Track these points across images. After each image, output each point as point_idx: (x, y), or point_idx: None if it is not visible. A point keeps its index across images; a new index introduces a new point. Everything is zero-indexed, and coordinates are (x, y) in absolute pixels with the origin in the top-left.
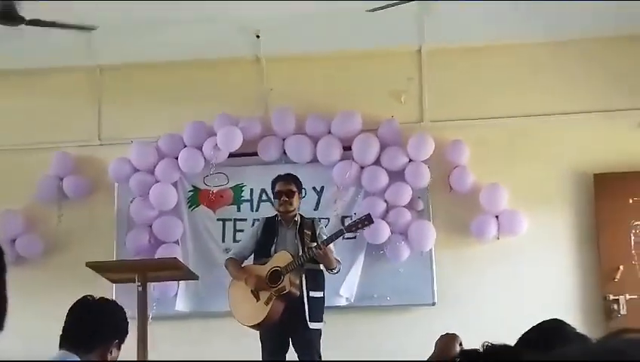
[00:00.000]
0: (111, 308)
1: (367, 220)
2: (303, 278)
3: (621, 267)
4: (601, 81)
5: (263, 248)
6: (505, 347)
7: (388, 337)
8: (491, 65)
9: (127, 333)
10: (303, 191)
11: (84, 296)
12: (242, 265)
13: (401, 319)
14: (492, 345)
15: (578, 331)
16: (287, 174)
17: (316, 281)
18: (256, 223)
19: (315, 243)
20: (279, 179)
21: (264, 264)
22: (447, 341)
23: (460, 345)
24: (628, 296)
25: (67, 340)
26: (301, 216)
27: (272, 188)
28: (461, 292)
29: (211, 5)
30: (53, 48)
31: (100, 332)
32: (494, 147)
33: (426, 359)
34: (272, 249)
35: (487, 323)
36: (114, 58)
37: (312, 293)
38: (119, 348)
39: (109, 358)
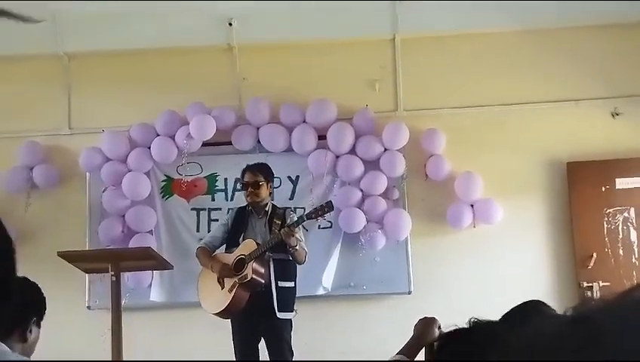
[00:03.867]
0: (24, 285)
1: (328, 207)
2: (271, 268)
3: (595, 254)
4: (574, 69)
5: (232, 238)
6: (492, 322)
7: (364, 326)
8: (465, 53)
9: (45, 309)
10: (278, 180)
11: None
12: (212, 255)
13: (377, 308)
14: (479, 320)
15: (558, 313)
16: (256, 164)
17: (286, 271)
18: (229, 212)
19: (282, 229)
20: (247, 169)
21: (232, 253)
22: (426, 324)
23: (439, 328)
24: (601, 283)
25: None
26: (273, 206)
27: (241, 177)
28: (437, 280)
29: None
30: (21, 36)
31: (17, 313)
32: (469, 136)
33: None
34: (241, 238)
35: (462, 310)
36: (83, 46)
37: (280, 283)
38: (39, 326)
39: (30, 338)
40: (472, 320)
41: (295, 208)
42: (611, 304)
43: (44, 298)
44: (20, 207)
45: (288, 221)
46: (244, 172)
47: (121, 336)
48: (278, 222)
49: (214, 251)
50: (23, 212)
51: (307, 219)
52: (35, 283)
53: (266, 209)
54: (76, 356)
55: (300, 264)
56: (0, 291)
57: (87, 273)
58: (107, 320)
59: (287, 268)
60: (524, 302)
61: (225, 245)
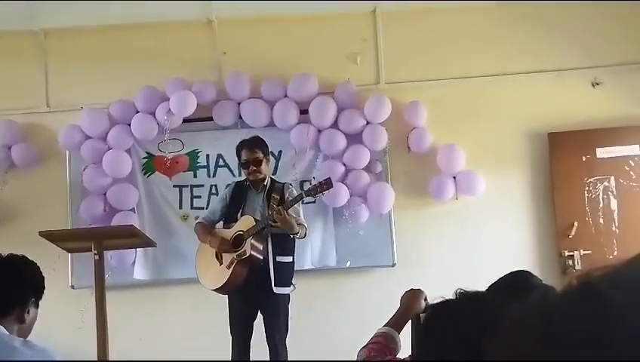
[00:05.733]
0: (23, 264)
1: (327, 184)
2: (269, 242)
3: (575, 223)
4: (553, 39)
5: (231, 213)
6: (478, 292)
7: (349, 300)
8: (447, 26)
9: (43, 289)
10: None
11: None
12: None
13: (361, 281)
14: (466, 291)
15: (544, 282)
16: (252, 139)
17: (284, 246)
18: (227, 187)
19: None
20: (244, 146)
21: (230, 228)
22: (413, 296)
23: (425, 300)
24: (582, 252)
25: None
26: (272, 180)
27: (238, 155)
28: (421, 253)
29: None
30: None
31: (15, 293)
32: (450, 108)
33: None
34: (239, 213)
35: (446, 282)
36: (60, 22)
37: (279, 258)
38: (37, 306)
39: (27, 319)
40: (459, 291)
41: (291, 183)
42: (618, 275)
43: (43, 277)
44: (2, 187)
45: (287, 195)
46: (239, 149)
47: (106, 315)
48: (276, 196)
49: (213, 226)
50: (0, 191)
51: (306, 196)
52: (34, 262)
53: (265, 183)
54: (61, 335)
55: (300, 239)
56: None
57: (70, 252)
58: (91, 298)
59: (285, 242)
60: (511, 272)
61: (223, 220)
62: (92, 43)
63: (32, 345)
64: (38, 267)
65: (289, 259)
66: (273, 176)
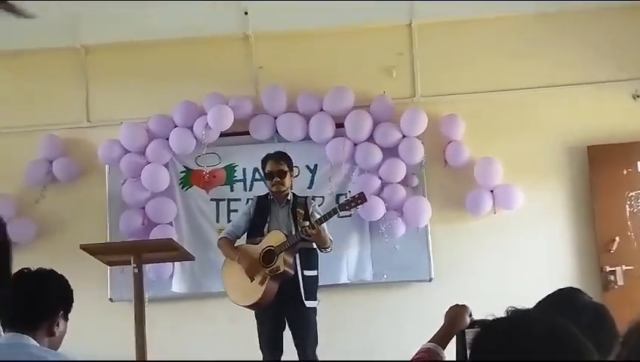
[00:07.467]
0: (51, 278)
1: (361, 198)
2: (297, 257)
3: (617, 238)
4: (593, 52)
5: (255, 227)
6: (529, 310)
7: (386, 314)
8: (482, 38)
9: (72, 302)
10: (296, 169)
11: (19, 270)
12: (235, 245)
13: (398, 296)
14: (516, 308)
15: (594, 299)
16: (277, 153)
17: (310, 260)
18: (250, 202)
19: (308, 222)
20: (269, 158)
21: (257, 243)
22: (458, 311)
23: (470, 315)
24: (624, 267)
25: (10, 319)
26: (294, 195)
27: (263, 167)
28: (458, 267)
29: None
30: (37, 29)
31: (44, 306)
32: (487, 121)
33: (432, 334)
34: (265, 228)
35: (484, 297)
36: (100, 38)
37: (306, 272)
38: (66, 319)
39: (57, 332)
40: (510, 308)
41: (314, 197)
42: None
43: (72, 290)
44: (43, 201)
45: (311, 210)
46: (265, 161)
47: (145, 328)
48: (301, 211)
49: (236, 241)
50: (42, 204)
51: (340, 210)
52: (62, 275)
53: (288, 198)
54: (99, 348)
55: (327, 252)
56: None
57: (109, 266)
58: (130, 312)
59: (311, 257)
60: (559, 289)
61: (246, 234)
62: (131, 59)
63: (63, 356)
64: (67, 280)
65: (314, 273)
66: (295, 191)
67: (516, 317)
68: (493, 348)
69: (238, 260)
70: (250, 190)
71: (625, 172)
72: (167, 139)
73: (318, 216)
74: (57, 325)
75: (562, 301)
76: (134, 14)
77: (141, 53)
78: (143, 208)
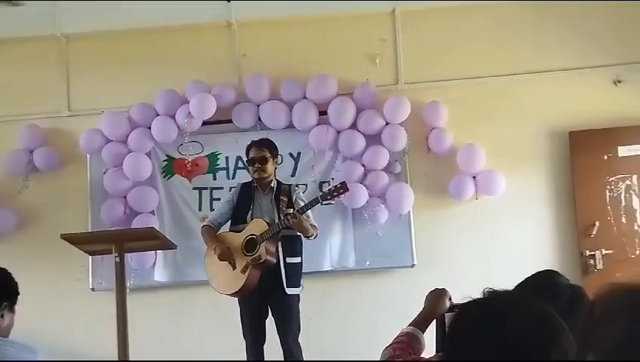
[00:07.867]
0: None
1: (343, 188)
2: (279, 244)
3: (597, 223)
4: (574, 38)
5: (239, 214)
6: (507, 291)
7: (369, 300)
8: (466, 25)
9: (17, 294)
10: (280, 157)
11: None
12: (218, 233)
13: (380, 282)
14: (494, 289)
15: (571, 282)
16: (261, 140)
17: (293, 247)
18: (233, 189)
19: (292, 210)
20: (252, 145)
21: (240, 231)
22: (437, 296)
23: (450, 299)
24: (604, 251)
25: None
26: (278, 182)
27: (247, 154)
28: (440, 253)
29: None
30: (18, 18)
31: None
32: (470, 108)
33: (412, 318)
34: (249, 215)
35: (466, 283)
36: (81, 27)
37: (288, 259)
38: (12, 311)
39: (2, 324)
40: (487, 289)
41: (297, 185)
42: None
43: (16, 283)
44: (22, 191)
45: (294, 197)
46: (249, 148)
47: (127, 317)
48: (284, 199)
49: (219, 228)
50: (23, 195)
51: (322, 200)
52: (4, 268)
53: (272, 185)
54: (81, 337)
55: (312, 240)
56: None
57: (91, 255)
58: (112, 301)
59: (294, 244)
60: (538, 272)
61: (230, 221)
62: (112, 47)
63: (12, 342)
64: (9, 273)
65: (298, 259)
66: (279, 179)
67: (490, 297)
68: (468, 328)
69: (214, 250)
70: (233, 178)
71: (605, 157)
72: (149, 127)
73: (302, 204)
74: (2, 316)
75: (540, 282)
76: (115, 2)
77: (122, 41)
78: (125, 197)
